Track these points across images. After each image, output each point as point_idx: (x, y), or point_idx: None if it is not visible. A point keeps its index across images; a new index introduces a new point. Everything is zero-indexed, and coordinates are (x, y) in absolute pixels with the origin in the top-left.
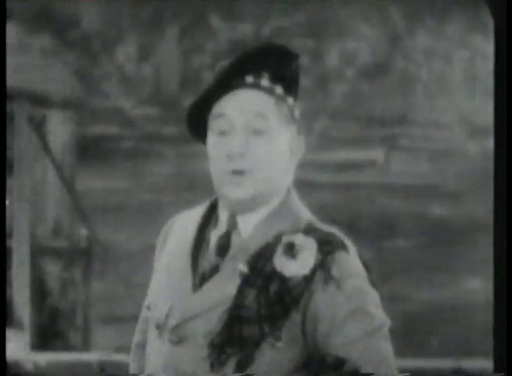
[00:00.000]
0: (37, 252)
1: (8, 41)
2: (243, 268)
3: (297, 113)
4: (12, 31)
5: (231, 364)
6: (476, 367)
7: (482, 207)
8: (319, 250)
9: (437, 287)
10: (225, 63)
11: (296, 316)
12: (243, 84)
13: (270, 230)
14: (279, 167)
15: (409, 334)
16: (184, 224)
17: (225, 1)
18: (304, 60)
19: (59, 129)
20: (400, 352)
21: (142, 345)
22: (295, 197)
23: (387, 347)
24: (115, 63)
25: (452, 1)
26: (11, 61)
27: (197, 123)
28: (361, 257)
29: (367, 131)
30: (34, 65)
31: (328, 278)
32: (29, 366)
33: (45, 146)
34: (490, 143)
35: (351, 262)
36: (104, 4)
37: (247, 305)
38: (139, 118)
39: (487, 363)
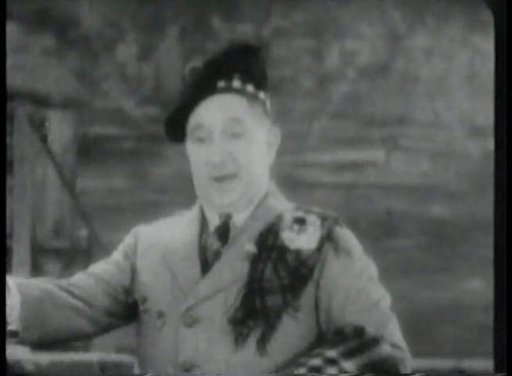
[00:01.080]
0: (38, 252)
1: (8, 41)
2: (251, 248)
3: (268, 104)
4: (12, 31)
5: (253, 337)
6: (476, 367)
7: (483, 207)
8: (322, 224)
9: (437, 287)
10: (195, 64)
11: (310, 287)
12: (215, 90)
13: (268, 211)
14: (261, 166)
15: (409, 333)
16: (167, 228)
17: (226, 2)
18: (304, 60)
19: (60, 129)
20: None
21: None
22: (275, 187)
23: (392, 313)
24: (115, 62)
25: (452, 0)
26: (11, 61)
27: (176, 133)
28: None
29: (367, 131)
30: (34, 65)
31: (339, 248)
32: (29, 367)
33: (46, 146)
34: (490, 143)
35: (350, 234)
36: (104, 4)
37: (268, 277)
38: (140, 118)
39: (487, 363)
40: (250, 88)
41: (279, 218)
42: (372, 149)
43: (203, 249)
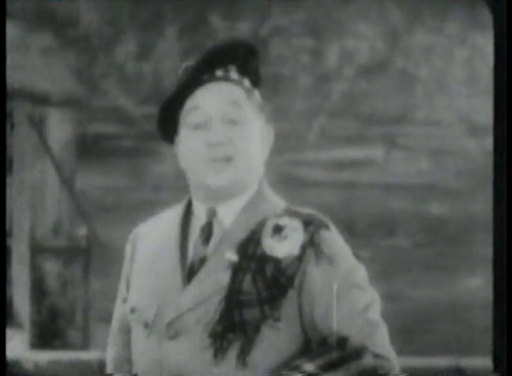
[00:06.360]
0: (37, 251)
1: (8, 40)
2: (231, 256)
3: (262, 103)
4: (12, 30)
5: (233, 350)
6: (476, 366)
7: (482, 205)
8: (305, 230)
9: (436, 286)
10: (191, 63)
11: (292, 295)
12: (213, 78)
13: (253, 217)
14: (256, 154)
15: (409, 332)
16: (158, 228)
17: (225, 0)
18: (303, 59)
19: (59, 128)
20: (400, 350)
21: (120, 330)
22: (267, 186)
23: (381, 320)
24: (115, 61)
25: None
26: (11, 60)
27: (168, 120)
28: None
29: (367, 129)
30: (33, 64)
31: (320, 254)
32: (29, 365)
33: (45, 145)
34: (490, 142)
35: (336, 238)
36: (104, 3)
37: (246, 290)
38: (139, 117)
39: (486, 362)
40: (246, 82)
41: (262, 224)
42: (371, 147)
43: (186, 254)
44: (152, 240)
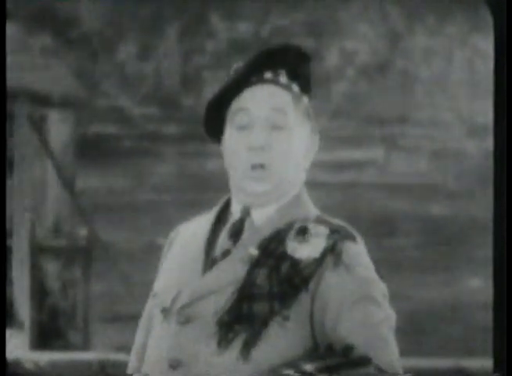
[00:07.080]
0: (37, 251)
1: (8, 40)
2: (253, 251)
3: (311, 112)
4: (12, 31)
5: (238, 342)
6: (476, 367)
7: (482, 206)
8: (329, 237)
9: (437, 287)
10: (241, 64)
11: (305, 298)
12: (261, 80)
13: (283, 219)
14: (296, 163)
15: (409, 333)
16: (195, 225)
17: (225, 1)
18: None
19: (59, 128)
20: (400, 351)
21: (145, 323)
22: (306, 194)
23: (393, 339)
24: (115, 62)
25: (451, 0)
26: (11, 60)
27: (215, 119)
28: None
29: (367, 130)
30: (34, 64)
31: (338, 262)
32: (29, 366)
33: (45, 146)
34: (490, 142)
35: (360, 251)
36: (104, 3)
37: (259, 284)
38: (139, 117)
39: (487, 363)
40: (295, 87)
41: (289, 225)
42: (371, 148)
43: (213, 247)
44: (187, 234)
